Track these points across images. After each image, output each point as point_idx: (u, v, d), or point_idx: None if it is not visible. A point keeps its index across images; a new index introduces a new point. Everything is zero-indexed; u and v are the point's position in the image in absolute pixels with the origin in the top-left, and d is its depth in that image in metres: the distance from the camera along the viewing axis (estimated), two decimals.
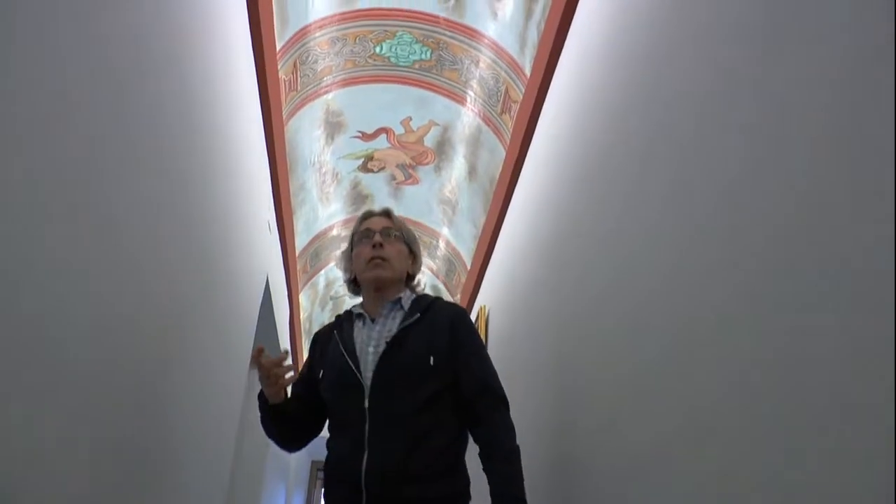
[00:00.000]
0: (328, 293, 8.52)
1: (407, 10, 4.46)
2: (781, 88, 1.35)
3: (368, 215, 2.58)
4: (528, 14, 3.88)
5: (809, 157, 1.24)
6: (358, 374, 2.19)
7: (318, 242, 6.84)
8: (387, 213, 2.58)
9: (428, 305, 2.37)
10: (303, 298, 7.55)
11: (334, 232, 6.89)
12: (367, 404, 2.13)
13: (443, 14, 4.43)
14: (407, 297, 2.43)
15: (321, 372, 2.27)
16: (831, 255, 1.14)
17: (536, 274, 3.63)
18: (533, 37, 3.89)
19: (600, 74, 2.80)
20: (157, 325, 2.36)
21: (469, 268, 6.33)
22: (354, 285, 2.56)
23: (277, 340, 6.18)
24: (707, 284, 1.59)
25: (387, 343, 2.22)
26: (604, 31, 2.82)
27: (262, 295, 4.64)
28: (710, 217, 1.62)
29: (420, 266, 2.57)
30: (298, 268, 6.62)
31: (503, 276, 4.75)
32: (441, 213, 6.45)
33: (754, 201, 1.41)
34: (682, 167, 1.86)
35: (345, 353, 2.23)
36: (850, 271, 1.09)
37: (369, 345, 2.26)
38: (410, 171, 6.08)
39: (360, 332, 2.33)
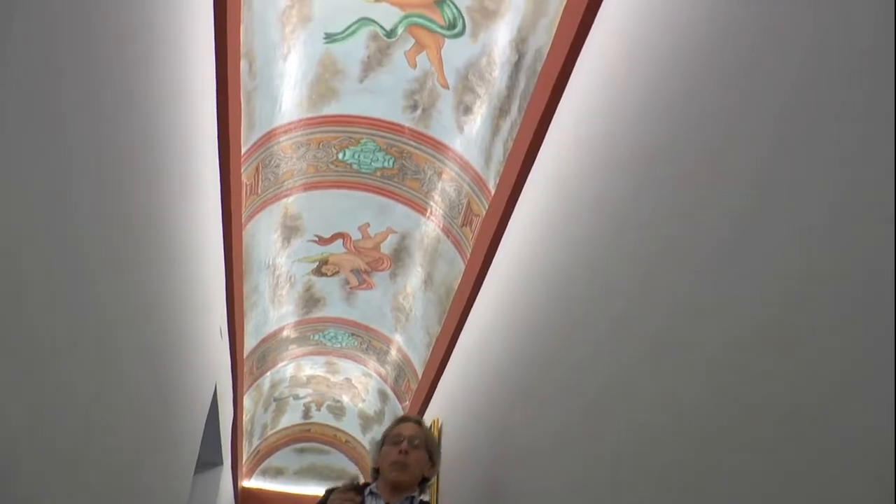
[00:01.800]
0: (272, 394, 8.34)
1: (373, 119, 4.47)
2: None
3: (403, 420, 3.07)
4: (496, 130, 3.90)
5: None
6: None
7: (267, 345, 6.70)
8: (418, 422, 3.04)
9: None
10: (246, 399, 7.36)
11: (284, 334, 6.76)
12: None
13: (408, 124, 4.45)
14: (417, 498, 2.80)
15: None
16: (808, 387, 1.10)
17: (495, 394, 3.54)
18: (499, 153, 3.91)
19: (574, 193, 2.79)
20: (108, 437, 2.27)
21: (420, 377, 6.22)
22: (376, 472, 2.91)
23: (220, 445, 5.98)
24: (691, 420, 1.53)
25: None
26: (576, 152, 2.82)
27: (209, 404, 4.48)
28: (688, 345, 1.57)
29: (436, 471, 2.99)
30: (245, 370, 6.45)
31: (460, 390, 4.65)
32: (394, 319, 6.37)
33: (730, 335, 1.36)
34: (651, 299, 1.82)
35: None
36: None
37: None
38: (365, 276, 6.03)
39: None
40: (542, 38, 3.26)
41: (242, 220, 4.37)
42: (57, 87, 1.52)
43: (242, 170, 4.02)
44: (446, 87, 4.11)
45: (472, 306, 4.50)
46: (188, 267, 3.18)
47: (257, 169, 4.29)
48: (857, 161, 1.18)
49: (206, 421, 4.66)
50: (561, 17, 3.05)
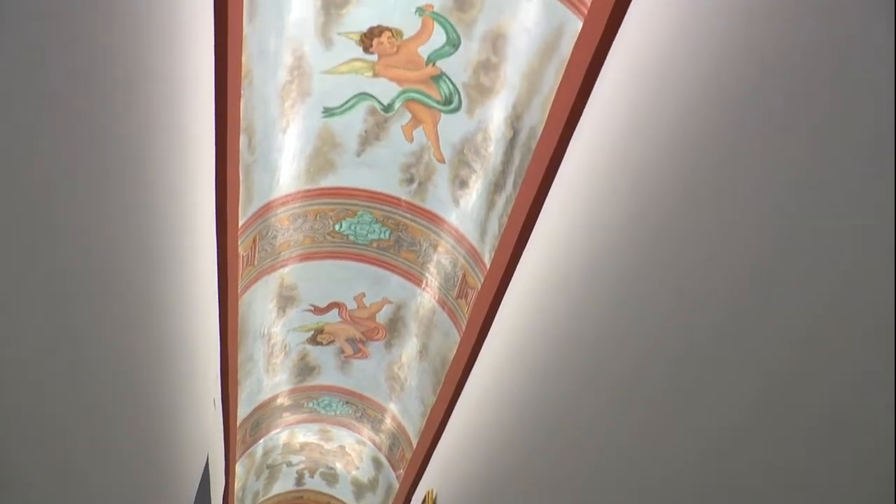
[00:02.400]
0: (265, 461, 8.26)
1: (370, 191, 4.51)
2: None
3: None
4: (491, 204, 3.94)
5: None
6: None
7: (260, 412, 6.67)
8: None
9: None
10: (238, 467, 7.29)
11: (278, 401, 6.73)
12: None
13: (405, 197, 4.49)
14: None
15: None
16: None
17: (492, 465, 3.52)
18: (494, 227, 3.94)
19: (571, 269, 2.80)
20: None
21: (415, 446, 6.18)
22: None
23: None
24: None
25: None
26: (572, 228, 2.85)
27: (201, 473, 4.44)
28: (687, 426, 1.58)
29: None
30: (238, 438, 6.41)
31: (455, 460, 4.61)
32: (388, 388, 6.36)
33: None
34: (649, 373, 1.83)
35: None
36: None
37: None
38: (360, 345, 6.03)
39: None
40: (537, 116, 3.32)
41: (238, 291, 4.38)
42: (53, 160, 1.54)
43: (240, 241, 4.04)
44: (442, 161, 4.17)
45: (467, 377, 4.49)
46: (183, 338, 3.18)
47: (254, 240, 4.32)
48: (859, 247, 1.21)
49: (198, 490, 4.61)
50: (555, 96, 3.09)
